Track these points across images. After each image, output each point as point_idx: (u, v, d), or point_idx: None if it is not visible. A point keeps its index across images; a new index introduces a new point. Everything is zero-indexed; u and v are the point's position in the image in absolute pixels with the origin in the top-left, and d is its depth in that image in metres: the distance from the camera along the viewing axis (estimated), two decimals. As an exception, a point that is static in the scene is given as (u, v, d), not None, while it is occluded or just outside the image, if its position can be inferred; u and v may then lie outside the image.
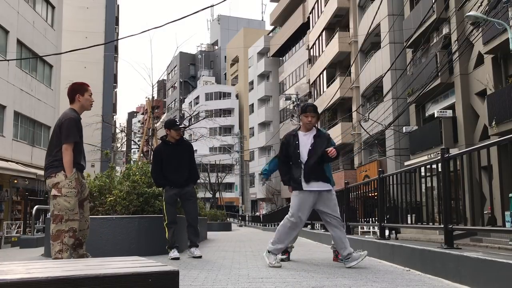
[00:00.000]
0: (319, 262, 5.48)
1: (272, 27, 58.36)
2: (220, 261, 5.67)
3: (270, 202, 51.17)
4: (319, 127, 5.25)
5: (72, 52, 15.20)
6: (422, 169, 5.63)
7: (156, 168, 6.05)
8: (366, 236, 11.90)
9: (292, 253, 6.34)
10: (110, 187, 6.74)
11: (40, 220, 14.61)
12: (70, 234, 4.25)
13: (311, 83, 40.62)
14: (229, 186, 60.77)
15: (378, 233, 7.05)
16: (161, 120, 53.03)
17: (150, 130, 18.09)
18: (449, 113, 20.96)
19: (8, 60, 19.48)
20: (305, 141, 4.96)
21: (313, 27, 40.06)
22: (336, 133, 33.06)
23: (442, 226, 4.63)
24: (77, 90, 4.56)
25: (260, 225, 36.15)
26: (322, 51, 36.64)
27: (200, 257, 5.98)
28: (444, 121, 20.78)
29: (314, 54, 39.43)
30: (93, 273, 1.55)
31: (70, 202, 4.26)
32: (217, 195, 41.75)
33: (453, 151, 4.75)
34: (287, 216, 4.96)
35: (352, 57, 32.10)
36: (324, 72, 36.30)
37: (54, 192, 4.24)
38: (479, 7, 16.41)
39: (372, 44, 29.05)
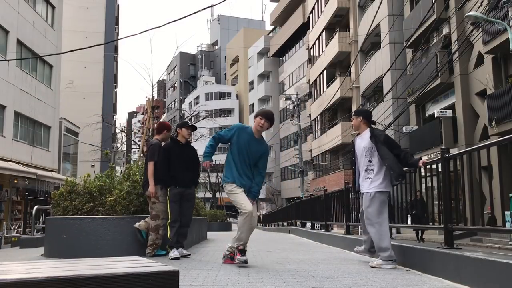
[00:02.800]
0: (319, 262, 5.48)
1: (272, 27, 58.36)
2: (220, 261, 5.67)
3: (270, 202, 51.19)
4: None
5: (72, 52, 15.19)
6: (422, 169, 5.62)
7: (164, 165, 6.04)
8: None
9: (292, 253, 6.34)
10: (110, 187, 6.74)
11: (40, 220, 14.60)
12: (163, 228, 5.92)
13: (311, 83, 40.62)
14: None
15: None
16: (161, 120, 52.99)
17: (150, 130, 18.07)
18: (449, 113, 20.95)
19: (8, 60, 19.48)
20: None
21: (313, 27, 40.06)
22: (336, 133, 33.10)
23: (442, 226, 4.63)
24: (166, 127, 6.44)
25: (260, 225, 36.16)
26: (322, 51, 36.64)
27: (189, 255, 6.16)
28: (444, 121, 20.77)
29: (314, 54, 39.43)
30: (93, 273, 1.55)
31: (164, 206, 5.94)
32: (217, 195, 41.74)
33: (453, 151, 4.75)
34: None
35: (352, 57, 32.10)
36: (324, 72, 36.30)
37: (153, 199, 5.92)
38: (479, 7, 16.41)
39: (372, 44, 29.05)
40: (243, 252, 4.97)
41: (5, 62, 19.79)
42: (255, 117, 5.10)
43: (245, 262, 4.91)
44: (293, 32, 46.18)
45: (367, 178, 5.00)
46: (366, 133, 5.07)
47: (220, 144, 5.18)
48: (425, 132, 22.52)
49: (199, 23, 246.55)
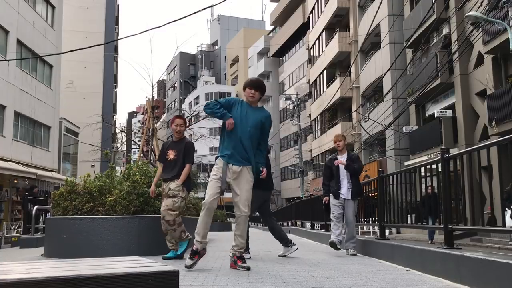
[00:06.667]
0: (319, 262, 5.48)
1: (272, 27, 58.36)
2: (220, 261, 5.67)
3: (270, 202, 51.16)
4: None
5: (72, 52, 15.18)
6: (422, 169, 5.63)
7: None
8: (366, 236, 11.91)
9: (292, 253, 6.34)
10: (110, 187, 6.73)
11: (40, 220, 14.56)
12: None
13: (311, 83, 40.62)
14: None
15: (378, 233, 7.06)
16: (161, 120, 52.96)
17: (150, 130, 18.05)
18: (449, 113, 20.94)
19: (8, 60, 19.47)
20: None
21: (313, 27, 40.07)
22: (336, 133, 33.05)
23: (442, 226, 4.63)
24: (170, 122, 5.94)
25: (260, 225, 36.14)
26: (322, 51, 36.64)
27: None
28: (444, 121, 20.77)
29: (314, 54, 39.43)
30: (93, 273, 1.55)
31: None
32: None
33: (453, 151, 4.75)
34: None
35: (352, 57, 32.10)
36: (324, 72, 36.30)
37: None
38: (479, 7, 16.41)
39: (372, 44, 29.05)
40: (242, 259, 4.57)
41: (5, 62, 19.79)
42: (244, 89, 4.83)
43: (248, 269, 4.47)
44: (293, 32, 46.17)
45: (349, 188, 6.56)
46: (345, 154, 6.76)
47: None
48: (425, 132, 22.52)
49: (199, 23, 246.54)
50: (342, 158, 6.66)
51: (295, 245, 6.30)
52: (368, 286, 3.62)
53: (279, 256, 6.17)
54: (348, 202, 6.58)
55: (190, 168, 5.80)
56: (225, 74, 72.51)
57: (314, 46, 39.33)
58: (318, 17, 38.23)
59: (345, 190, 6.56)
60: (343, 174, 6.60)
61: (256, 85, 4.73)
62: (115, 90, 47.02)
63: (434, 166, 5.01)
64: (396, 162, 24.36)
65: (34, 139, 24.53)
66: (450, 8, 20.57)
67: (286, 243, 6.29)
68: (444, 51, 20.46)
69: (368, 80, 28.52)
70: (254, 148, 4.68)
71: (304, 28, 43.33)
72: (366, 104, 30.09)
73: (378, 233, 7.03)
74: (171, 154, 5.82)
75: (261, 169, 4.69)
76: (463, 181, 4.48)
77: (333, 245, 6.54)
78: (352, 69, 30.57)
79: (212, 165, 4.91)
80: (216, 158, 4.70)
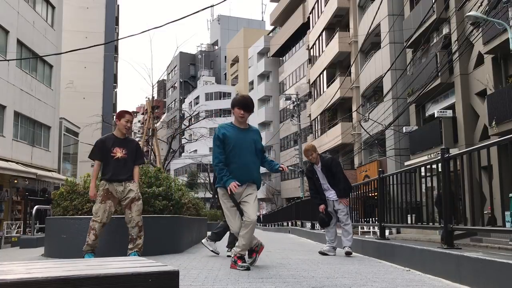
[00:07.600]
0: (319, 262, 5.48)
1: (272, 27, 58.39)
2: (220, 261, 5.67)
3: (270, 202, 51.18)
4: None
5: (72, 52, 15.19)
6: (422, 169, 5.63)
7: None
8: (366, 236, 11.91)
9: (292, 253, 6.34)
10: (110, 187, 6.72)
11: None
12: (93, 232, 5.34)
13: (311, 83, 40.63)
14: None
15: (378, 233, 7.06)
16: (161, 120, 52.99)
17: (150, 130, 18.08)
18: (449, 113, 20.95)
19: (8, 60, 19.47)
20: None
21: (313, 27, 40.08)
22: (336, 133, 33.09)
23: (442, 226, 4.63)
24: (118, 116, 5.55)
25: (260, 225, 36.17)
26: (322, 51, 36.65)
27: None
28: (444, 121, 20.77)
29: (314, 54, 39.44)
30: (93, 273, 1.55)
31: (94, 207, 5.50)
32: (217, 195, 41.68)
33: (453, 151, 4.75)
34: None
35: (352, 57, 32.10)
36: (324, 72, 36.30)
37: None
38: (479, 7, 16.41)
39: (372, 44, 29.05)
40: (242, 259, 4.70)
41: (5, 62, 19.79)
42: (233, 107, 4.75)
43: (247, 268, 4.56)
44: (293, 32, 46.18)
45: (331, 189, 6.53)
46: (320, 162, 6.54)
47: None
48: (425, 132, 22.52)
49: (199, 23, 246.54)
50: (318, 168, 6.49)
51: (216, 248, 6.44)
52: (368, 286, 3.62)
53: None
54: (336, 202, 6.47)
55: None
56: (225, 74, 72.54)
57: (314, 46, 39.33)
58: (318, 17, 38.23)
59: (330, 193, 6.50)
60: (324, 180, 6.50)
61: (247, 106, 4.72)
62: (115, 90, 47.00)
63: (434, 166, 5.01)
64: (396, 162, 24.36)
65: (34, 139, 24.52)
66: (450, 8, 20.58)
67: (214, 240, 6.47)
68: (444, 51, 20.46)
69: (368, 80, 28.53)
70: (258, 164, 4.93)
71: (304, 28, 43.34)
72: (366, 104, 30.10)
73: (378, 233, 7.04)
74: (118, 152, 5.48)
75: (280, 167, 5.00)
76: (463, 181, 4.48)
77: (324, 254, 6.47)
78: (352, 69, 30.58)
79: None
80: (217, 186, 4.88)
